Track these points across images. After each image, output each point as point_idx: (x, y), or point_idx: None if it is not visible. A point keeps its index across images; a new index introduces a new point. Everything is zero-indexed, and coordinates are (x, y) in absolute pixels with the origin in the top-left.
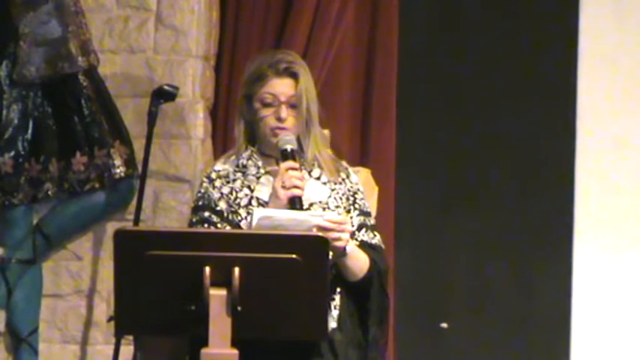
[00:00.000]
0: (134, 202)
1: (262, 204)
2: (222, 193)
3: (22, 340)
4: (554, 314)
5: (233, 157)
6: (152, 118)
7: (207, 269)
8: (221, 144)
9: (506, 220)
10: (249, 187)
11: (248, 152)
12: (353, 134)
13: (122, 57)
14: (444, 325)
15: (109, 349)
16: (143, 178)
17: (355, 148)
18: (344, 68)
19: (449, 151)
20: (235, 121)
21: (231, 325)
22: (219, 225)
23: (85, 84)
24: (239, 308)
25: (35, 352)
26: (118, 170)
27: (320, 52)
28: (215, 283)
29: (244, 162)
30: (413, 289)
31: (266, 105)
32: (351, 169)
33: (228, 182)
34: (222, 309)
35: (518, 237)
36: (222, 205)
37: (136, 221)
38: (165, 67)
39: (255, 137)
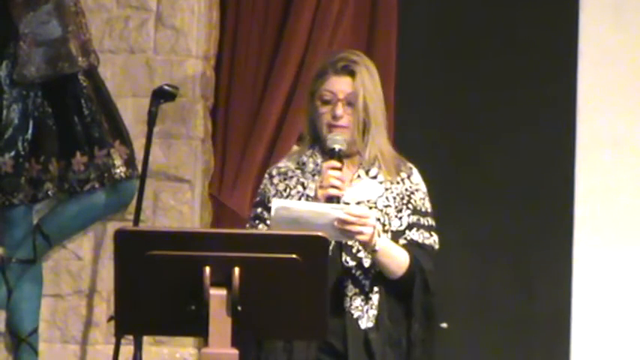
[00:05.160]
0: (134, 202)
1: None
2: (277, 190)
3: (22, 340)
4: (554, 314)
5: (297, 154)
6: (152, 118)
7: (207, 269)
8: (221, 144)
9: (506, 220)
10: (302, 184)
11: (310, 150)
12: None
13: (122, 57)
14: (444, 325)
15: (109, 349)
16: (143, 178)
17: None
18: None
19: (448, 151)
20: (302, 118)
21: (231, 325)
22: (269, 221)
23: (85, 84)
24: (239, 308)
25: (35, 352)
26: (118, 170)
27: (320, 52)
28: (215, 283)
29: (305, 159)
30: None
31: (324, 102)
32: (415, 170)
33: (285, 179)
34: (222, 309)
35: (518, 237)
36: None
37: (136, 221)
38: (165, 67)
39: (317, 134)
